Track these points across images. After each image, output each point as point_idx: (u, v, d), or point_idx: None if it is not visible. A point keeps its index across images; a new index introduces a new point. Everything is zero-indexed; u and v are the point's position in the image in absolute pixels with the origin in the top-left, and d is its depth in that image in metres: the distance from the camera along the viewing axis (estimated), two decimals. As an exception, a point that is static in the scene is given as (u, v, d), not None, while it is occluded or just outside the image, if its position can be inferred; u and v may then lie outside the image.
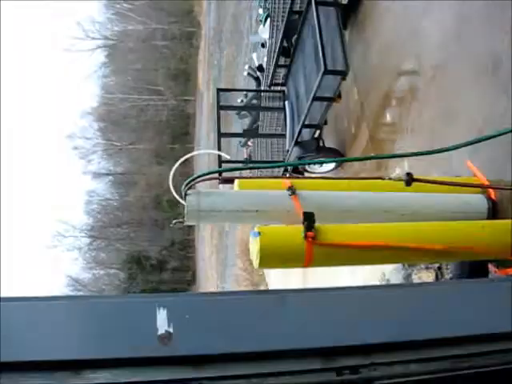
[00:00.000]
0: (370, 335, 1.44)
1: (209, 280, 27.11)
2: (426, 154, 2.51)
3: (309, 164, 6.78)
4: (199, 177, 2.48)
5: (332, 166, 7.27)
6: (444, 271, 3.79)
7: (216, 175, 2.82)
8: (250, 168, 3.61)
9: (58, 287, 39.28)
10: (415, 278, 4.13)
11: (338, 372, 1.39)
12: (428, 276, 3.92)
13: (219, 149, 7.88)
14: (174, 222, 2.54)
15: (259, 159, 8.80)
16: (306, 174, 7.32)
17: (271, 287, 11.49)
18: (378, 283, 4.91)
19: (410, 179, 2.42)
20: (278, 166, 6.07)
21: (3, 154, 37.71)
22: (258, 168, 3.69)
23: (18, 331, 1.25)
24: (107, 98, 40.77)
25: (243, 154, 11.66)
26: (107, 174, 42.52)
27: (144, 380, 1.26)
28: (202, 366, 1.30)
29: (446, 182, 2.57)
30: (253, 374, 1.34)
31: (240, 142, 11.27)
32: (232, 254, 17.49)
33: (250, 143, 10.34)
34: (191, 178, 2.46)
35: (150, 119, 39.18)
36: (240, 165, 9.10)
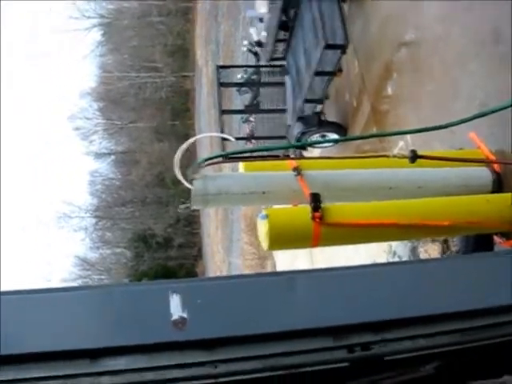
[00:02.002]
0: (380, 312, 1.48)
1: (215, 255, 27.27)
2: (430, 129, 2.53)
3: (311, 145, 6.77)
4: (205, 161, 2.50)
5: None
6: (450, 244, 3.82)
7: (221, 159, 2.84)
8: (254, 150, 3.61)
9: (66, 268, 39.62)
10: (421, 251, 4.17)
11: (350, 349, 1.43)
12: (434, 249, 3.96)
13: (221, 126, 7.87)
14: (181, 207, 2.57)
15: (261, 134, 8.79)
16: (309, 149, 7.34)
17: (278, 261, 11.57)
18: (384, 255, 4.97)
19: (414, 156, 2.44)
20: (282, 148, 6.07)
21: (5, 138, 37.69)
22: (261, 151, 3.69)
23: (35, 322, 1.29)
24: (105, 77, 40.48)
25: (245, 130, 11.64)
26: (109, 154, 42.48)
27: (160, 365, 1.31)
28: (215, 348, 1.35)
29: (450, 158, 2.59)
30: (266, 355, 1.39)
31: (242, 117, 11.23)
32: (237, 229, 17.57)
33: (251, 118, 10.31)
34: (197, 162, 2.48)
35: (149, 97, 38.92)
36: (243, 143, 9.10)
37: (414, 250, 4.30)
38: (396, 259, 4.88)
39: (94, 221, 40.76)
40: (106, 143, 42.65)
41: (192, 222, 37.57)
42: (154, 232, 37.32)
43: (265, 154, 4.44)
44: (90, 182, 41.52)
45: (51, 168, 45.62)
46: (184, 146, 2.62)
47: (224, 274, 23.87)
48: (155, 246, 36.93)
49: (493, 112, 2.28)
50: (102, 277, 39.90)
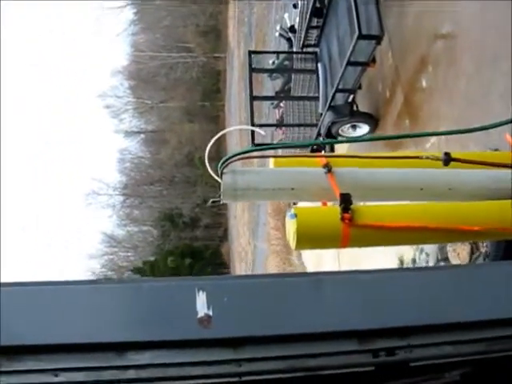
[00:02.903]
0: (406, 317, 1.48)
1: (241, 237, 27.39)
2: (463, 132, 2.49)
3: (337, 143, 6.69)
4: (235, 155, 2.50)
5: (366, 130, 7.21)
6: (479, 244, 3.78)
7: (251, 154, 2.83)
8: (283, 146, 3.59)
9: (93, 244, 40.23)
10: (450, 250, 4.13)
11: (375, 354, 1.43)
12: (463, 249, 3.92)
13: (251, 112, 7.85)
14: (210, 201, 2.58)
15: (291, 121, 8.74)
16: (339, 138, 7.28)
17: (304, 253, 11.57)
18: (412, 251, 4.94)
19: (448, 159, 2.41)
20: (311, 145, 6.03)
21: (36, 115, 38.18)
22: (290, 146, 3.67)
23: (63, 314, 1.32)
24: (137, 56, 40.64)
25: (275, 115, 11.61)
26: (139, 133, 42.77)
27: (185, 361, 1.33)
28: (240, 347, 1.36)
29: (484, 162, 2.54)
30: (290, 356, 1.40)
31: (272, 103, 11.20)
32: (264, 213, 17.59)
33: (281, 104, 10.27)
34: (227, 157, 2.48)
35: (180, 77, 38.98)
36: (272, 130, 9.05)
37: (442, 249, 4.27)
38: (423, 256, 4.85)
39: (121, 198, 41.21)
40: (136, 122, 42.98)
41: (219, 194, 37.58)
42: (181, 211, 37.60)
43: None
44: (120, 159, 41.97)
45: (81, 145, 46.17)
46: (214, 139, 2.63)
47: (249, 256, 23.99)
48: (182, 225, 37.22)
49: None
50: (129, 254, 40.46)
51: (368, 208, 2.43)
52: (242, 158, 2.57)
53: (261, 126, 9.06)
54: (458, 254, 4.03)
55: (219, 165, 2.48)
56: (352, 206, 2.31)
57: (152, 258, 36.08)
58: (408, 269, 2.01)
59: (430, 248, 4.52)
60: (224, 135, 28.80)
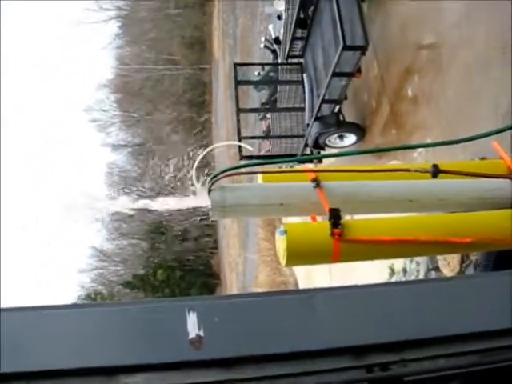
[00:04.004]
0: (400, 332, 1.46)
1: (231, 248, 27.35)
2: (449, 143, 2.50)
3: (323, 158, 6.70)
4: (223, 172, 2.49)
5: (353, 140, 7.23)
6: (470, 253, 3.79)
7: (240, 170, 2.82)
8: (271, 163, 3.58)
9: (83, 258, 39.98)
10: (440, 258, 4.14)
11: (368, 369, 1.42)
12: (453, 257, 3.93)
13: (238, 124, 7.86)
14: (199, 219, 2.57)
15: (278, 132, 8.75)
16: (327, 149, 7.30)
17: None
18: (402, 260, 4.94)
19: (436, 171, 2.42)
20: (297, 161, 6.04)
21: (21, 130, 37.98)
22: (276, 163, 3.66)
23: (50, 339, 1.30)
24: (123, 69, 40.64)
25: (261, 127, 11.64)
26: (126, 146, 42.68)
27: (177, 383, 1.31)
28: (233, 367, 1.34)
29: (473, 174, 2.55)
30: (284, 375, 1.38)
31: (259, 114, 11.22)
32: (253, 224, 17.58)
33: (268, 116, 10.29)
34: (214, 174, 2.47)
35: (167, 89, 39.02)
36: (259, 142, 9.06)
37: (432, 258, 4.27)
38: (414, 265, 4.85)
39: (110, 212, 41.01)
40: (123, 135, 42.87)
41: (207, 214, 37.56)
42: (170, 224, 37.48)
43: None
44: (107, 173, 41.80)
45: (68, 159, 45.97)
46: (200, 156, 2.63)
47: (239, 267, 23.94)
48: (171, 237, 37.10)
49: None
50: (118, 267, 40.22)
51: (358, 222, 2.42)
52: (230, 175, 2.56)
53: (248, 138, 9.06)
54: (449, 262, 4.04)
55: (207, 182, 2.46)
56: (342, 221, 2.30)
57: (142, 272, 35.92)
58: (399, 282, 2.01)
59: (421, 257, 4.52)
60: (212, 152, 28.78)
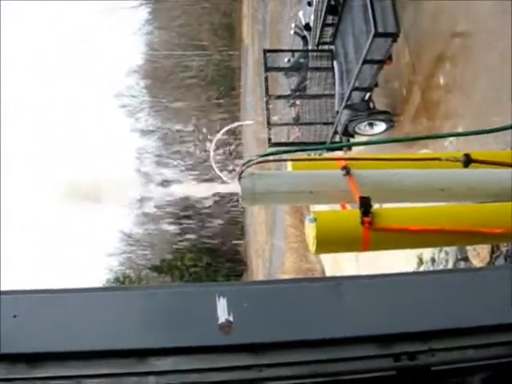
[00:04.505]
0: (428, 321, 1.47)
1: (258, 235, 27.39)
2: (481, 133, 2.47)
3: (353, 146, 6.64)
4: (254, 160, 2.51)
5: (383, 128, 7.17)
6: (500, 244, 3.75)
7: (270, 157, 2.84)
8: (301, 150, 3.58)
9: (111, 243, 40.47)
10: (469, 249, 4.10)
11: (396, 358, 1.43)
12: (482, 247, 3.89)
13: (268, 111, 7.85)
14: (228, 205, 2.59)
15: (307, 119, 8.72)
16: (356, 136, 7.25)
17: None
18: (430, 249, 4.90)
19: (467, 160, 2.40)
20: (326, 148, 6.02)
21: (53, 116, 38.51)
22: (305, 150, 3.65)
23: (83, 321, 1.33)
24: (152, 55, 40.77)
25: (291, 113, 11.58)
26: (155, 131, 42.91)
27: (206, 367, 1.34)
28: (261, 352, 1.36)
29: (505, 163, 2.52)
30: (311, 361, 1.40)
31: (288, 101, 11.15)
32: (281, 210, 17.57)
33: (297, 102, 10.24)
34: (245, 161, 2.49)
35: (196, 75, 39.05)
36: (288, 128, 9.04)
37: (461, 248, 4.23)
38: (443, 255, 4.82)
39: (139, 197, 41.32)
40: (152, 120, 43.08)
41: (237, 200, 37.62)
42: (199, 209, 37.65)
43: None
44: (136, 158, 42.09)
45: (98, 144, 46.39)
46: (217, 136, 2.65)
47: (266, 254, 24.00)
48: (199, 223, 37.28)
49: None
50: (146, 252, 40.62)
51: (388, 211, 2.42)
52: (261, 162, 2.58)
53: (277, 125, 9.05)
54: (478, 253, 4.00)
55: (238, 169, 2.49)
56: (372, 210, 2.30)
57: (170, 256, 36.22)
58: (428, 272, 1.99)
59: (450, 247, 4.48)
60: (240, 132, 28.75)
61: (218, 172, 2.54)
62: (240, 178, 2.50)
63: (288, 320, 1.46)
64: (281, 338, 1.41)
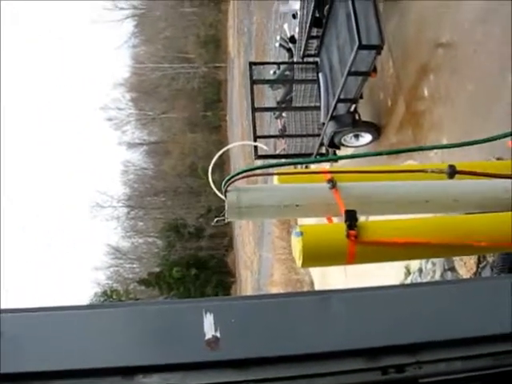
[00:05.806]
0: (415, 334, 1.47)
1: (246, 246, 27.38)
2: (465, 144, 2.49)
3: (339, 159, 6.64)
4: (239, 174, 2.50)
5: (369, 139, 7.21)
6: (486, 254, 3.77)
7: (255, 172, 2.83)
8: (287, 164, 3.58)
9: (98, 256, 40.27)
10: (456, 259, 4.12)
11: (384, 371, 1.42)
12: (469, 258, 3.91)
13: (253, 123, 7.86)
14: (215, 220, 2.59)
15: (293, 131, 8.75)
16: (342, 148, 7.28)
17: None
18: (418, 262, 4.92)
19: (452, 171, 2.41)
20: (312, 162, 6.03)
21: (38, 128, 38.33)
22: (292, 164, 3.65)
23: (67, 339, 1.31)
24: (138, 68, 40.83)
25: (277, 125, 11.63)
26: (141, 144, 42.89)
27: (193, 383, 1.33)
28: (248, 368, 1.35)
29: (489, 174, 2.54)
30: (299, 376, 1.39)
31: (274, 113, 11.20)
32: (268, 222, 17.59)
33: (283, 114, 10.28)
34: (230, 175, 2.48)
35: (182, 87, 39.14)
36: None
37: (448, 258, 4.25)
38: (430, 265, 4.84)
39: (126, 210, 41.25)
40: (138, 133, 43.09)
41: (223, 212, 37.60)
42: (186, 222, 37.60)
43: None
44: (123, 171, 42.04)
45: (84, 158, 46.25)
46: (216, 156, 2.64)
47: (255, 265, 23.96)
48: (187, 235, 37.20)
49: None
50: (134, 265, 40.45)
51: (373, 224, 2.42)
52: (246, 176, 2.57)
53: (263, 137, 9.05)
54: (465, 263, 4.02)
55: (223, 183, 2.48)
56: (357, 223, 2.30)
57: (157, 269, 36.09)
58: (415, 284, 2.00)
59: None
60: (227, 144, 28.79)
61: (217, 192, 2.52)
62: (225, 192, 2.49)
63: (275, 335, 1.45)
64: (268, 354, 1.40)
